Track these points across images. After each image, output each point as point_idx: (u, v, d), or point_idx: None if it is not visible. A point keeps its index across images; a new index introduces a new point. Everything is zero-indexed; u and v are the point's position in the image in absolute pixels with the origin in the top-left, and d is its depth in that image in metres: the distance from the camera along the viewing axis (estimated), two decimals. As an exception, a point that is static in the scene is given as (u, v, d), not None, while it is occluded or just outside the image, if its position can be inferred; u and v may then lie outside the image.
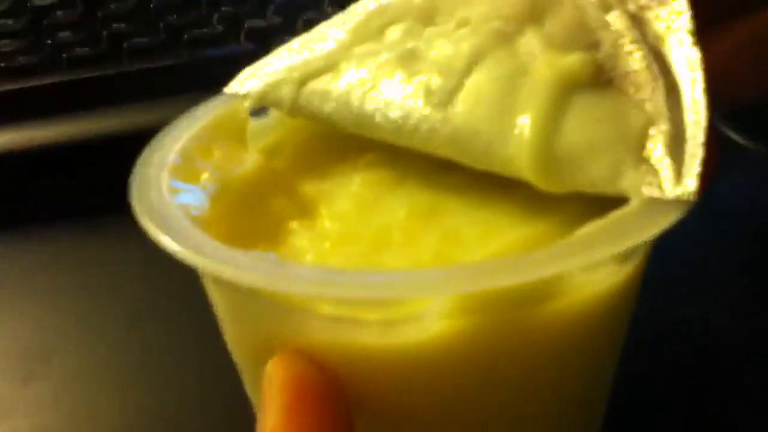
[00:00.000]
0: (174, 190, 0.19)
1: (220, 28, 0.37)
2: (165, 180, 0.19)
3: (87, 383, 0.27)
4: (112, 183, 0.34)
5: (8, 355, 0.28)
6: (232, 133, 0.22)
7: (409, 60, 0.19)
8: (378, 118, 0.19)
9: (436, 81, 0.18)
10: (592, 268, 0.16)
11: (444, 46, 0.19)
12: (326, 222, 0.20)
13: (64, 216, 0.34)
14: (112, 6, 0.39)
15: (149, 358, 0.28)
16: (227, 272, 0.15)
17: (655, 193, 0.16)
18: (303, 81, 0.21)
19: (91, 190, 0.34)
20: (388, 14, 0.21)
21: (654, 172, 0.16)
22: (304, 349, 0.17)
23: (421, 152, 0.19)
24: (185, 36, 0.37)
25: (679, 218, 0.16)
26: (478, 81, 0.18)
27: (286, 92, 0.21)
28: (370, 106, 0.19)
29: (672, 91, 0.17)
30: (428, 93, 0.18)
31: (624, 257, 0.17)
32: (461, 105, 0.18)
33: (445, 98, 0.18)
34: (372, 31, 0.21)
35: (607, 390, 0.20)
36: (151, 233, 0.17)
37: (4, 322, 0.30)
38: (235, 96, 0.23)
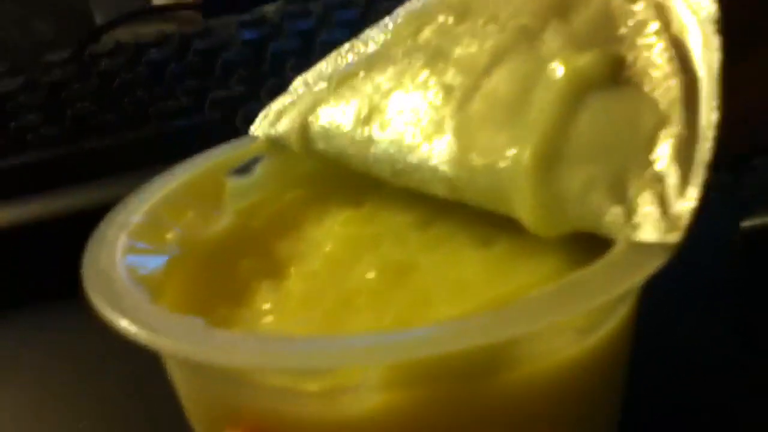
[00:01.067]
0: (129, 249, 0.18)
1: (184, 100, 0.37)
2: (122, 240, 0.18)
3: None
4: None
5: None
6: (208, 194, 0.22)
7: (435, 59, 0.19)
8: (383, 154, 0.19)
9: (456, 79, 0.18)
10: (540, 335, 0.14)
11: (470, 44, 0.19)
12: (293, 283, 0.19)
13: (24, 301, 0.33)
14: (75, 86, 0.39)
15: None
16: (151, 338, 0.14)
17: (644, 234, 0.15)
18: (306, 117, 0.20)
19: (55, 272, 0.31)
20: (424, 15, 0.20)
21: (659, 178, 0.15)
22: (253, 418, 0.15)
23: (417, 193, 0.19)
24: (150, 110, 0.36)
25: (642, 279, 0.14)
26: (495, 82, 0.17)
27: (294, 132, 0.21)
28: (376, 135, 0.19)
29: (690, 88, 0.16)
30: (448, 91, 0.18)
31: (585, 323, 0.15)
32: (477, 105, 0.17)
33: (462, 97, 0.18)
34: (408, 33, 0.20)
35: None
36: (87, 293, 0.16)
37: None
38: (211, 156, 0.22)
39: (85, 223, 0.32)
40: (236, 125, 0.35)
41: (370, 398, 0.14)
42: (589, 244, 0.17)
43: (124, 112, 0.37)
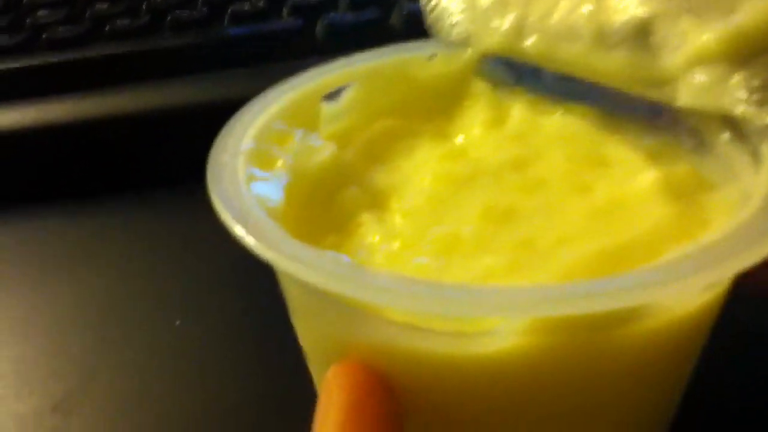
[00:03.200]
0: (250, 177, 0.18)
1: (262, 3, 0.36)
2: (241, 167, 0.18)
3: (162, 351, 0.26)
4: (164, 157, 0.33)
5: (81, 324, 0.27)
6: (304, 119, 0.21)
7: None
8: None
9: None
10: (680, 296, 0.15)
11: None
12: (397, 217, 0.19)
13: (113, 190, 0.34)
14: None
15: (223, 330, 0.26)
16: (302, 272, 0.15)
17: None
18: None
19: (139, 165, 0.34)
20: None
21: None
22: (368, 351, 0.16)
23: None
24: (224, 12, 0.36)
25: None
26: None
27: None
28: None
29: None
30: None
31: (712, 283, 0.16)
32: None
33: None
34: None
35: (675, 406, 0.19)
36: (227, 224, 0.16)
37: (70, 293, 0.29)
38: (305, 80, 0.22)
39: (164, 121, 0.32)
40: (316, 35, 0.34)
41: (504, 341, 0.15)
42: (686, 203, 0.19)
43: (198, 11, 0.36)
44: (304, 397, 0.19)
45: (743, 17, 0.16)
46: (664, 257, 0.15)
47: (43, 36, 0.37)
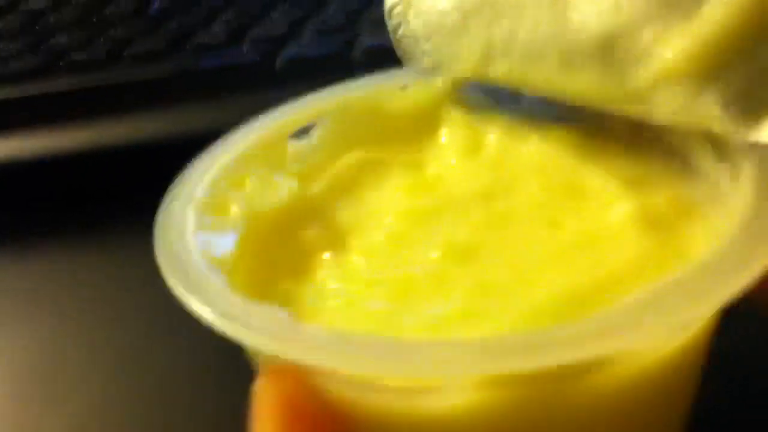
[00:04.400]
0: (200, 226, 0.18)
1: (222, 36, 0.35)
2: (191, 216, 0.18)
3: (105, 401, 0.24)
4: (117, 193, 0.32)
5: (22, 374, 0.26)
6: (269, 160, 0.21)
7: None
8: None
9: None
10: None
11: None
12: (355, 257, 0.18)
13: (65, 228, 0.32)
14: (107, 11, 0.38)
15: (166, 372, 0.25)
16: (238, 332, 0.14)
17: None
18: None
19: (94, 201, 0.32)
20: None
21: None
22: (330, 402, 0.15)
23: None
24: (187, 43, 0.35)
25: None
26: None
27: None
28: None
29: None
30: None
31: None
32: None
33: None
34: None
35: None
36: (166, 279, 0.16)
37: (11, 337, 0.28)
38: (270, 120, 0.21)
39: (110, 157, 0.31)
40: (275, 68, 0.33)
41: (455, 397, 0.13)
42: (664, 234, 0.17)
43: (160, 40, 0.35)
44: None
45: (708, 25, 0.15)
46: (623, 299, 0.13)
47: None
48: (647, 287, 0.13)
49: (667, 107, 0.16)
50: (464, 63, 0.21)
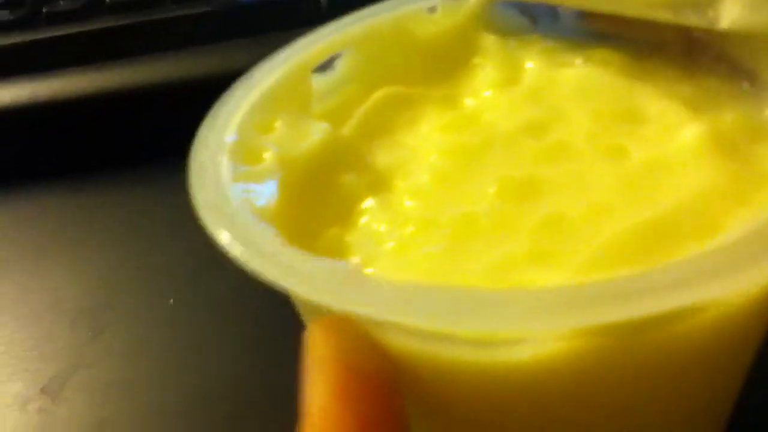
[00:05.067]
0: (236, 176, 0.16)
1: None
2: (224, 165, 0.16)
3: (154, 334, 0.25)
4: (160, 131, 0.32)
5: (73, 306, 0.27)
6: (294, 99, 0.19)
7: None
8: None
9: None
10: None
11: None
12: (403, 200, 0.17)
13: (110, 165, 0.33)
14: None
15: (217, 309, 0.25)
16: (300, 290, 0.13)
17: None
18: None
19: (139, 139, 0.33)
20: None
21: None
22: (391, 353, 0.14)
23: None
24: None
25: None
26: None
27: None
28: None
29: None
30: None
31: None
32: None
33: None
34: None
35: (731, 406, 0.17)
36: (214, 235, 0.15)
37: (65, 274, 0.29)
38: (291, 56, 0.19)
39: (151, 95, 0.31)
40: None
41: (539, 348, 0.13)
42: (738, 158, 0.16)
43: None
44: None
45: None
46: (721, 237, 0.12)
47: (43, 10, 0.34)
48: (739, 225, 0.12)
49: (742, 5, 0.14)
50: None
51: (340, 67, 0.20)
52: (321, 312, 0.14)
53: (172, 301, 0.26)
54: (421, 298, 0.12)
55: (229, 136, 0.17)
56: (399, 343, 0.14)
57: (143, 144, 0.32)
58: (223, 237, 0.14)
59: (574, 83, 0.18)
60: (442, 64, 0.20)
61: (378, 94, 0.20)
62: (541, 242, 0.15)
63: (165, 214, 0.29)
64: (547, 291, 0.12)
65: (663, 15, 0.16)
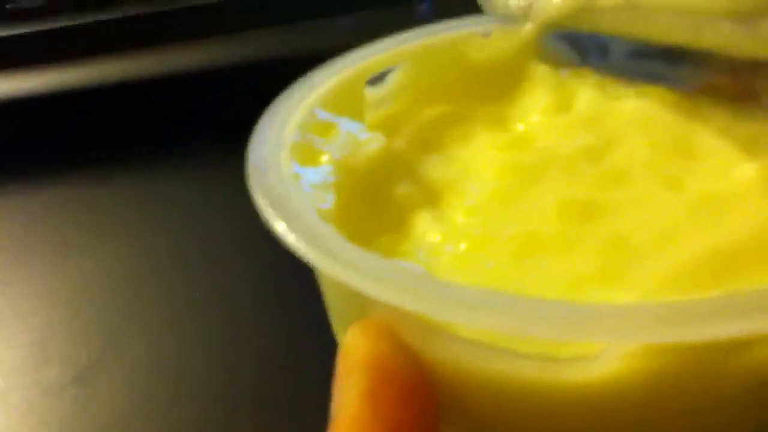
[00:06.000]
0: (296, 176, 0.16)
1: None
2: (285, 163, 0.16)
3: (185, 321, 0.25)
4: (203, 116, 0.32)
5: (105, 294, 0.27)
6: (350, 106, 0.19)
7: None
8: None
9: None
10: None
11: None
12: (459, 215, 0.17)
13: (156, 148, 0.33)
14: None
15: (247, 298, 0.25)
16: (383, 293, 0.12)
17: None
18: None
19: (173, 128, 0.32)
20: None
21: None
22: (437, 363, 0.14)
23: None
24: None
25: None
26: None
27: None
28: None
29: None
30: None
31: None
32: None
33: None
34: None
35: None
36: (275, 229, 0.14)
37: (96, 261, 0.28)
38: (350, 62, 0.20)
39: (194, 82, 0.31)
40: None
41: (606, 366, 0.12)
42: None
43: None
44: (328, 364, 0.17)
45: None
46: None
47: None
48: None
49: None
50: (561, 1, 0.19)
51: (393, 80, 0.20)
52: (364, 315, 0.14)
53: (198, 294, 0.26)
54: (498, 304, 0.12)
55: (290, 135, 0.17)
56: (453, 354, 0.13)
57: (176, 132, 0.32)
58: (292, 239, 0.14)
59: (629, 114, 0.18)
60: (493, 87, 0.20)
61: (429, 110, 0.20)
62: (608, 263, 0.15)
63: (196, 203, 0.30)
64: (630, 305, 0.12)
65: (709, 39, 0.17)
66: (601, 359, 0.12)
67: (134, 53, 0.32)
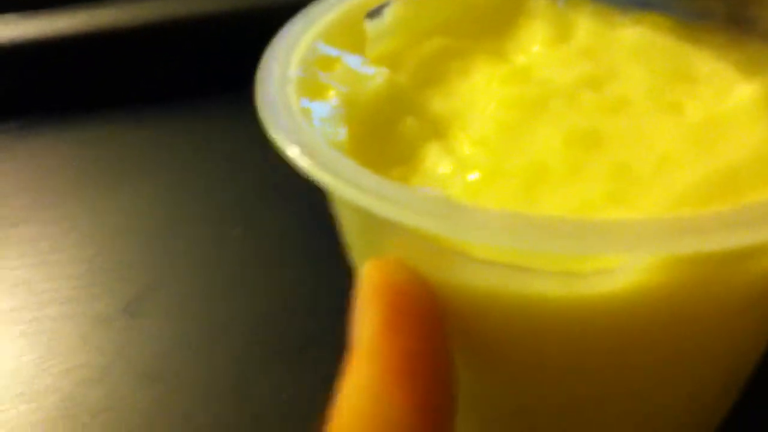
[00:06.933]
0: (305, 111, 0.16)
1: None
2: (293, 99, 0.16)
3: (224, 258, 0.26)
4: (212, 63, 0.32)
5: (147, 230, 0.28)
6: (350, 40, 0.19)
7: None
8: None
9: None
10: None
11: None
12: (466, 147, 0.17)
13: (175, 97, 0.33)
14: None
15: (282, 236, 0.26)
16: (403, 216, 0.13)
17: None
18: None
19: (192, 70, 0.33)
20: None
21: None
22: (448, 290, 0.15)
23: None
24: None
25: None
26: None
27: None
28: None
29: None
30: None
31: None
32: None
33: None
34: None
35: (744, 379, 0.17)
36: (299, 164, 0.14)
37: (136, 199, 0.29)
38: None
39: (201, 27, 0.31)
40: None
41: (621, 279, 0.13)
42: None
43: None
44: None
45: None
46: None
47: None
48: None
49: None
50: None
51: (391, 15, 0.20)
52: (382, 245, 0.14)
53: (237, 229, 0.27)
54: (518, 223, 0.12)
55: (294, 71, 0.16)
56: (470, 278, 0.14)
57: (207, 74, 0.32)
58: (323, 176, 0.14)
59: (627, 42, 0.19)
60: (491, 20, 0.20)
61: (428, 44, 0.20)
62: (615, 188, 0.15)
63: (231, 144, 0.30)
64: (645, 220, 0.12)
65: None
66: (619, 272, 0.13)
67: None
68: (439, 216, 0.12)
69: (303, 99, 0.16)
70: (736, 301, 0.14)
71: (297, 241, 0.26)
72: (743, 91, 0.17)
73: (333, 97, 0.17)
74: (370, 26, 0.20)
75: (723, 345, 0.15)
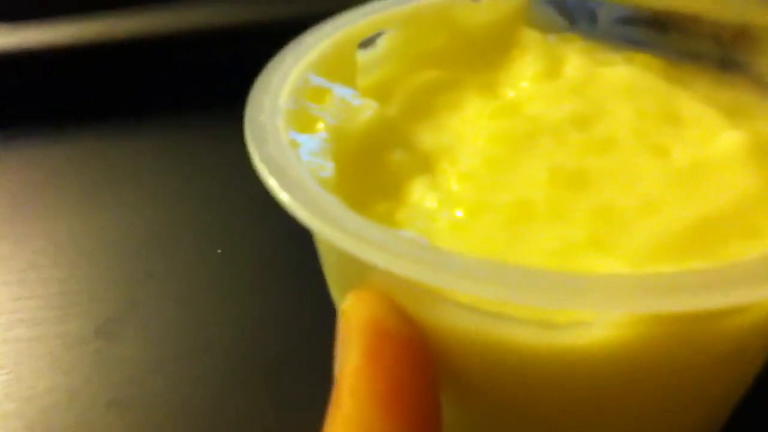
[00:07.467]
0: (294, 143, 0.16)
1: None
2: (282, 131, 0.16)
3: (204, 278, 0.25)
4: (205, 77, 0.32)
5: (125, 249, 0.27)
6: (340, 70, 0.19)
7: None
8: None
9: None
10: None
11: None
12: (453, 182, 0.17)
13: (158, 111, 0.33)
14: None
15: (264, 257, 0.26)
16: (384, 260, 0.13)
17: None
18: None
19: (194, 85, 0.32)
20: None
21: None
22: (430, 332, 0.15)
23: None
24: None
25: None
26: None
27: None
28: None
29: None
30: None
31: None
32: None
33: None
34: None
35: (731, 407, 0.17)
36: (277, 195, 0.14)
37: (116, 217, 0.29)
38: (340, 25, 0.19)
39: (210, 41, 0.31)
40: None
41: (598, 332, 0.13)
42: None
43: None
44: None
45: None
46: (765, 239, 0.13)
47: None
48: None
49: None
50: None
51: (383, 44, 0.20)
52: (362, 281, 0.14)
53: (219, 250, 0.26)
54: (498, 273, 0.12)
55: (284, 102, 0.17)
56: (450, 320, 0.14)
57: (198, 90, 0.32)
58: (302, 213, 0.14)
59: (616, 81, 0.19)
60: (482, 53, 0.20)
61: (419, 76, 0.20)
62: (598, 231, 0.15)
63: (216, 161, 0.30)
64: (617, 276, 0.12)
65: (723, 11, 0.17)
66: (596, 326, 0.13)
67: (158, 8, 0.32)
68: (421, 262, 0.12)
69: (292, 131, 0.16)
70: (718, 350, 0.14)
71: (278, 263, 0.26)
72: (729, 137, 0.17)
73: (322, 130, 0.17)
74: (364, 55, 0.20)
75: (708, 388, 0.15)
